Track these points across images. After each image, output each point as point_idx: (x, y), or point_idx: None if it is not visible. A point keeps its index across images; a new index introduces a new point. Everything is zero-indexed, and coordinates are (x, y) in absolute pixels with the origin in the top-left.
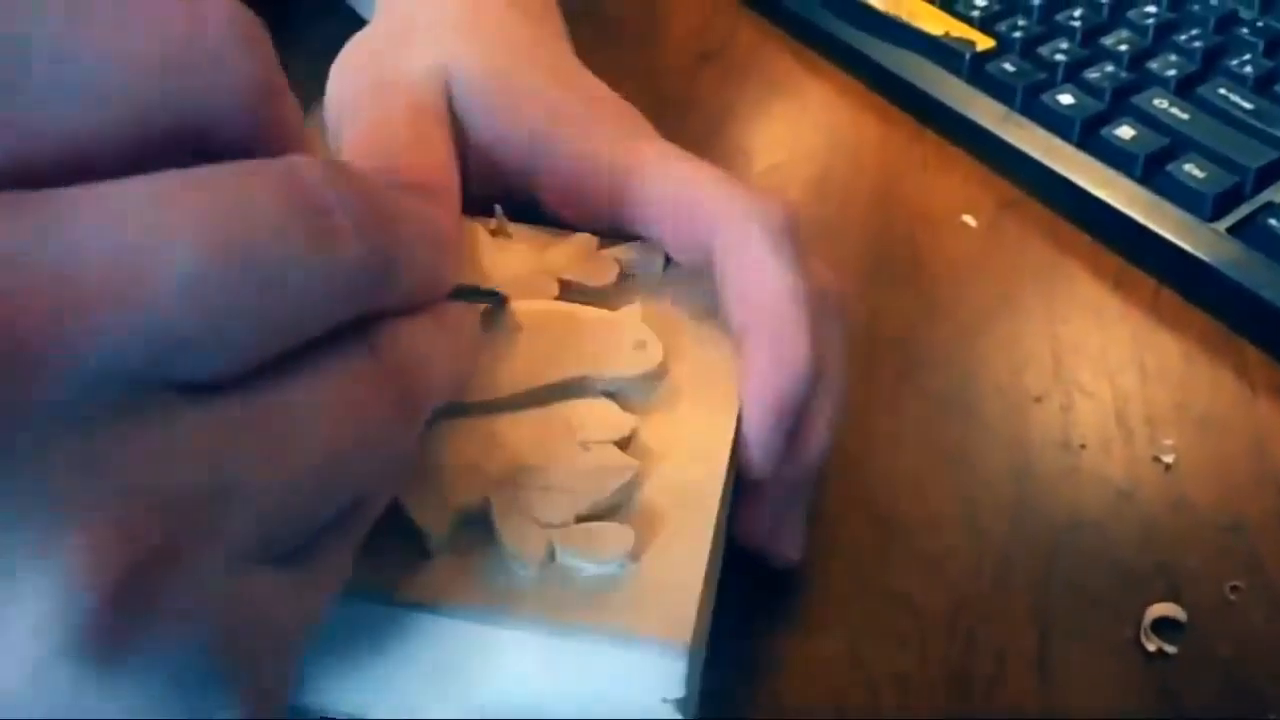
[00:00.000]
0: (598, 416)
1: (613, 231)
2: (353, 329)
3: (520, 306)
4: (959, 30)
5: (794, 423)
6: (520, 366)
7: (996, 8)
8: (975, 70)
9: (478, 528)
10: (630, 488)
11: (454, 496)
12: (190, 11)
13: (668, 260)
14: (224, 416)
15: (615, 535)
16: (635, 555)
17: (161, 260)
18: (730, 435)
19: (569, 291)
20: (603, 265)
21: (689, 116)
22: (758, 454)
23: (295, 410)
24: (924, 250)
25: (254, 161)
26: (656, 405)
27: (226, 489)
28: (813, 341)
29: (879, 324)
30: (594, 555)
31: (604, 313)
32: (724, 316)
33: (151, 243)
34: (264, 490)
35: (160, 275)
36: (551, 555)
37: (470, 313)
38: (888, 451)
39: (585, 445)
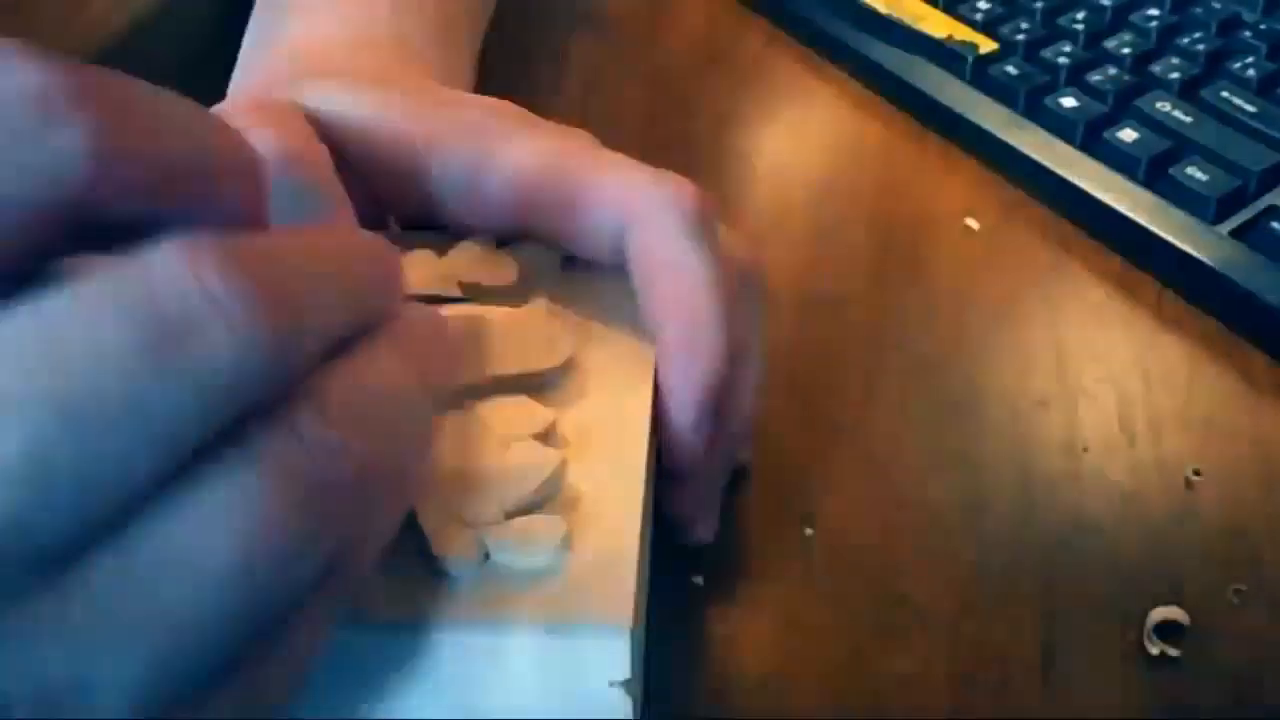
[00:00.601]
0: (514, 413)
1: (509, 233)
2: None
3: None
4: (962, 33)
5: (715, 412)
6: None
7: (999, 10)
8: (978, 73)
9: (404, 538)
10: (555, 479)
11: None
12: None
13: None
14: (70, 594)
15: (547, 527)
16: (567, 544)
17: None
18: (647, 419)
19: (471, 294)
20: (502, 265)
21: (691, 119)
22: (684, 445)
23: (173, 551)
24: (926, 253)
25: (105, 274)
26: (570, 396)
27: (87, 679)
28: (728, 332)
29: (881, 327)
30: (527, 549)
31: (509, 311)
32: (640, 304)
33: None
34: (135, 662)
35: None
36: (485, 554)
37: (430, 315)
38: (891, 454)
39: (505, 442)
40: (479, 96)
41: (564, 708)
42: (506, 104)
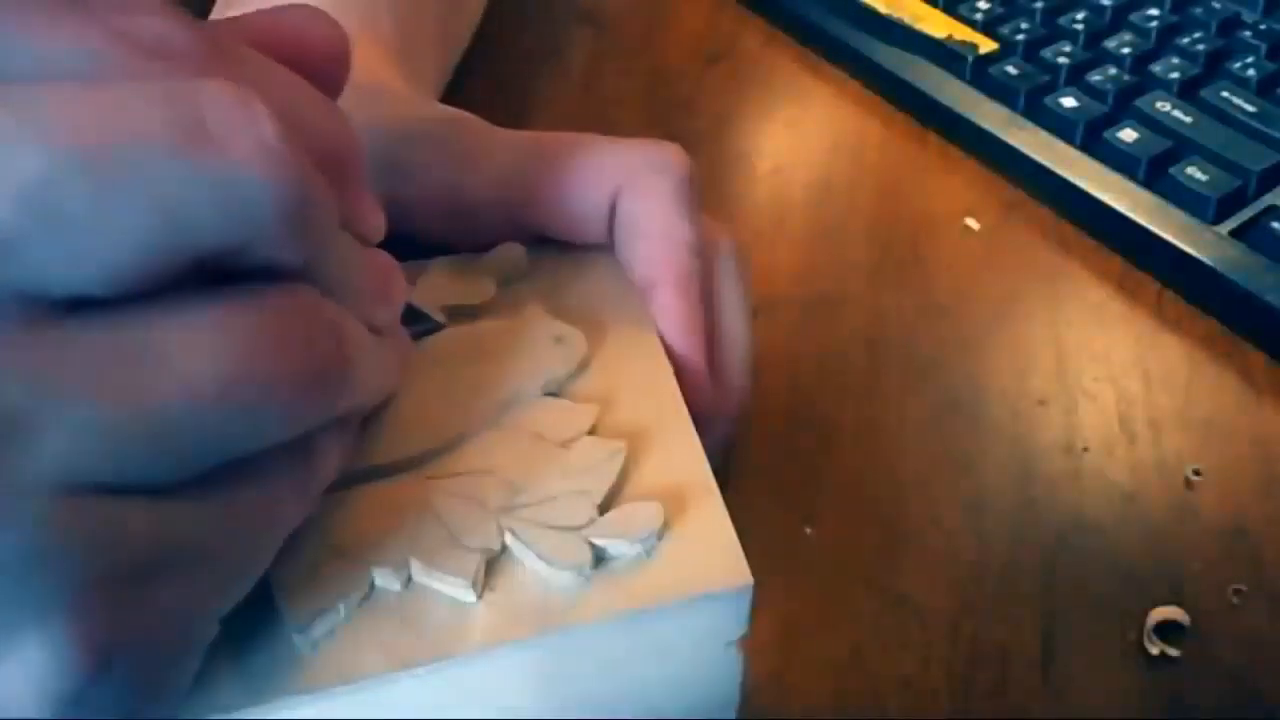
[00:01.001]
0: (557, 416)
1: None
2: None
3: (424, 344)
4: (962, 33)
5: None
6: (458, 401)
7: (999, 10)
8: (978, 73)
9: (497, 565)
10: (628, 467)
11: (471, 540)
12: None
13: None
14: (58, 338)
15: (645, 512)
16: (668, 523)
17: (9, 166)
18: (678, 390)
19: (457, 316)
20: (478, 280)
21: (691, 119)
22: (700, 389)
23: (153, 345)
24: (926, 253)
25: (159, 83)
26: (595, 387)
27: (36, 416)
28: (705, 281)
29: (882, 327)
30: (635, 536)
31: (508, 323)
32: (630, 267)
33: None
34: (86, 421)
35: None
36: (595, 554)
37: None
38: (891, 454)
39: (564, 445)
40: (442, 109)
41: (685, 677)
42: (468, 115)
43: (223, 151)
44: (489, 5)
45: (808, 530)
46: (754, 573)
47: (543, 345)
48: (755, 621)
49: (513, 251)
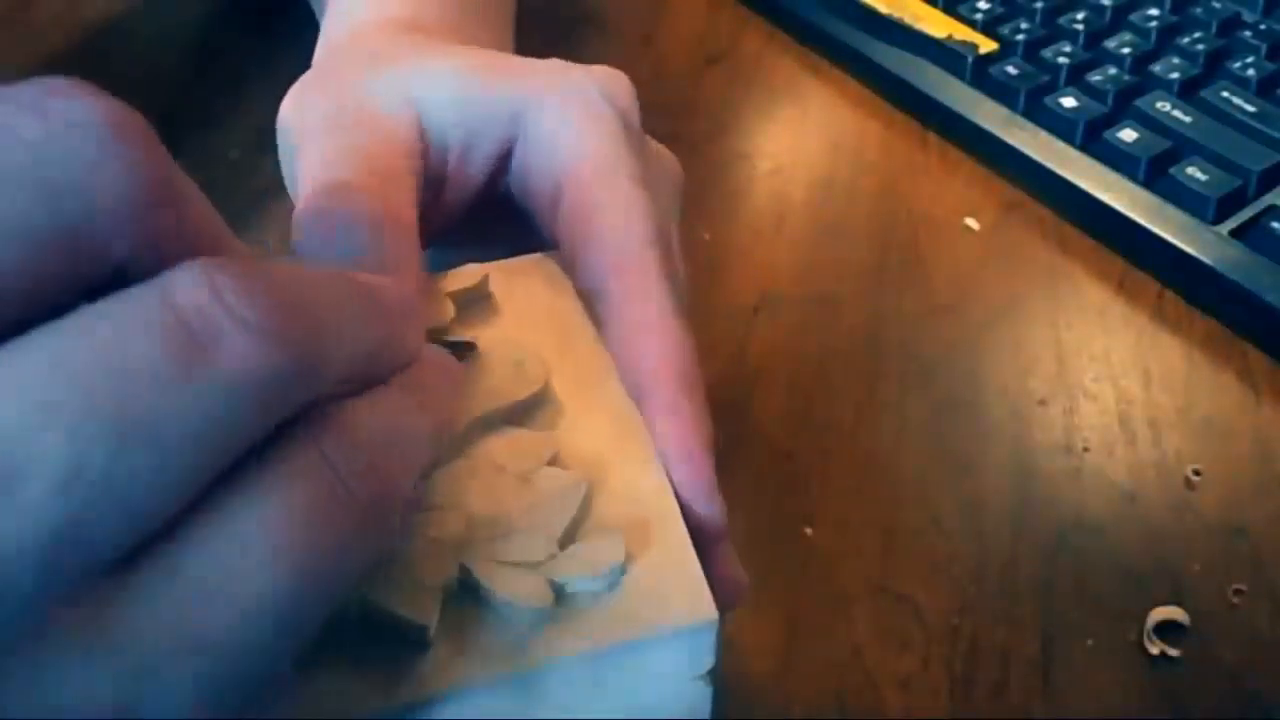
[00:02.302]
0: (517, 446)
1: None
2: (294, 427)
3: None
4: (962, 33)
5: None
6: None
7: (999, 10)
8: (978, 73)
9: (456, 603)
10: (590, 498)
11: (431, 577)
12: (46, 127)
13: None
14: (116, 613)
15: (608, 546)
16: (630, 556)
17: (32, 464)
18: (638, 413)
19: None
20: (436, 303)
21: (692, 119)
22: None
23: (217, 570)
24: (927, 253)
25: (126, 295)
26: (556, 413)
27: (134, 701)
28: (671, 291)
29: (882, 327)
30: (597, 572)
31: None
32: (578, 269)
33: (19, 444)
34: (182, 684)
35: (33, 479)
36: (556, 591)
37: (445, 360)
38: (891, 454)
39: (524, 478)
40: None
41: (653, 709)
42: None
43: (215, 360)
44: None
45: (808, 530)
46: (754, 573)
47: (501, 371)
48: (755, 621)
49: (469, 273)
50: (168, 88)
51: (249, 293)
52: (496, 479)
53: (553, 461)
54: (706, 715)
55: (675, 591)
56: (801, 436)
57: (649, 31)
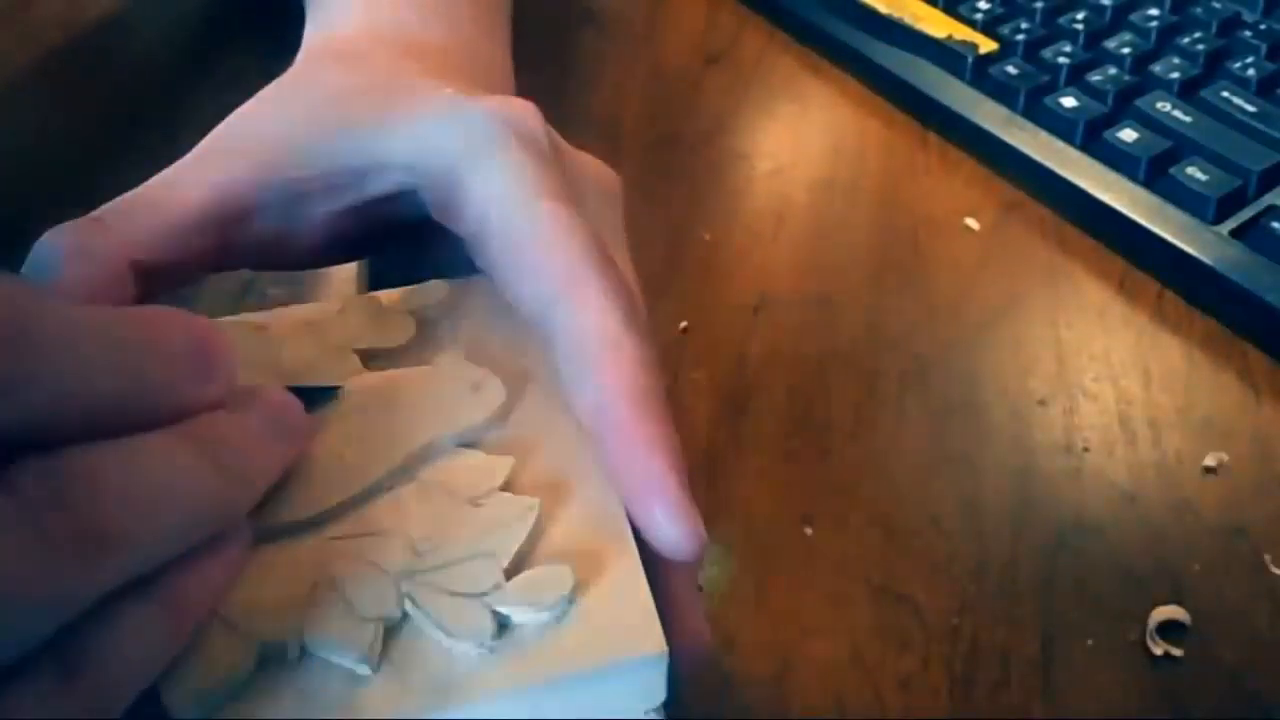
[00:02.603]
0: (470, 469)
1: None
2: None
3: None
4: (962, 33)
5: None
6: (368, 453)
7: (999, 10)
8: (978, 73)
9: (398, 633)
10: (542, 524)
11: (368, 609)
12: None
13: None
14: None
15: (554, 577)
16: (577, 588)
17: None
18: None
19: (372, 360)
20: (397, 321)
21: (691, 119)
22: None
23: None
24: (927, 253)
25: None
26: (513, 437)
27: None
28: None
29: (882, 327)
30: (542, 603)
31: (425, 369)
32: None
33: None
34: None
35: None
36: (499, 622)
37: (257, 413)
38: (891, 454)
39: (475, 502)
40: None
41: None
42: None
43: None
44: None
45: (808, 530)
46: (754, 573)
47: (458, 393)
48: (755, 621)
49: (435, 289)
50: (167, 87)
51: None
52: (445, 504)
53: (506, 486)
54: None
55: (624, 624)
56: (801, 436)
57: (649, 31)
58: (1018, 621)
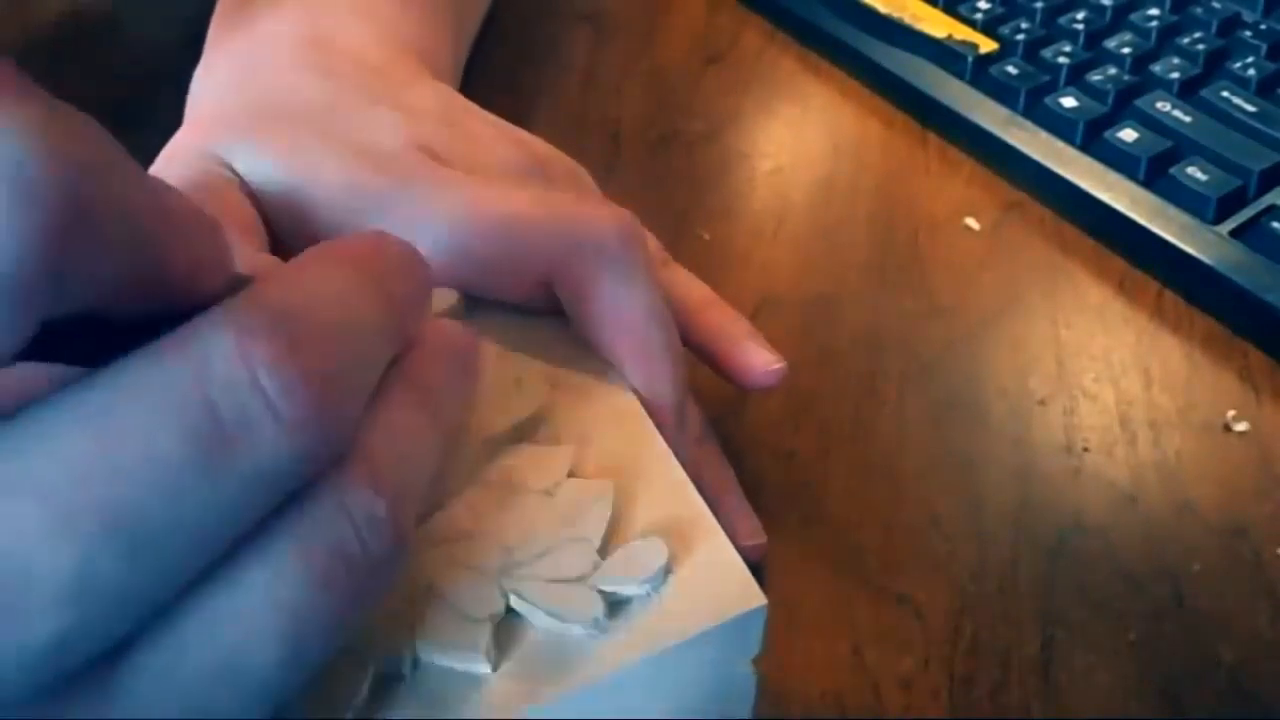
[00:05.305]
0: (533, 462)
1: None
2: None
3: None
4: (962, 33)
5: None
6: None
7: (999, 10)
8: (978, 73)
9: (506, 630)
10: (617, 505)
11: (476, 610)
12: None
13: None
14: (113, 697)
15: (650, 549)
16: (672, 557)
17: (42, 576)
18: (649, 419)
19: None
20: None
21: (691, 119)
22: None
23: (218, 651)
24: (926, 253)
25: (160, 365)
26: (563, 427)
27: None
28: (676, 356)
29: (882, 327)
30: (644, 576)
31: None
32: (585, 337)
33: (31, 555)
34: None
35: (40, 590)
36: (606, 602)
37: (452, 341)
38: (891, 454)
39: (549, 492)
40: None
41: (704, 700)
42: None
43: (242, 453)
44: (490, 5)
45: (808, 530)
46: (753, 572)
47: (503, 387)
48: None
49: (448, 296)
50: (166, 83)
51: (284, 375)
52: (521, 499)
53: (572, 474)
54: (751, 699)
55: (722, 584)
56: (801, 436)
57: (649, 31)
58: (1017, 622)
